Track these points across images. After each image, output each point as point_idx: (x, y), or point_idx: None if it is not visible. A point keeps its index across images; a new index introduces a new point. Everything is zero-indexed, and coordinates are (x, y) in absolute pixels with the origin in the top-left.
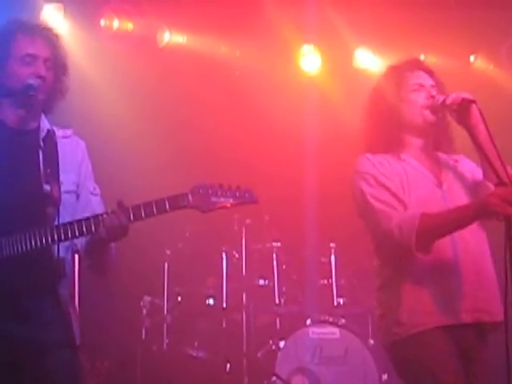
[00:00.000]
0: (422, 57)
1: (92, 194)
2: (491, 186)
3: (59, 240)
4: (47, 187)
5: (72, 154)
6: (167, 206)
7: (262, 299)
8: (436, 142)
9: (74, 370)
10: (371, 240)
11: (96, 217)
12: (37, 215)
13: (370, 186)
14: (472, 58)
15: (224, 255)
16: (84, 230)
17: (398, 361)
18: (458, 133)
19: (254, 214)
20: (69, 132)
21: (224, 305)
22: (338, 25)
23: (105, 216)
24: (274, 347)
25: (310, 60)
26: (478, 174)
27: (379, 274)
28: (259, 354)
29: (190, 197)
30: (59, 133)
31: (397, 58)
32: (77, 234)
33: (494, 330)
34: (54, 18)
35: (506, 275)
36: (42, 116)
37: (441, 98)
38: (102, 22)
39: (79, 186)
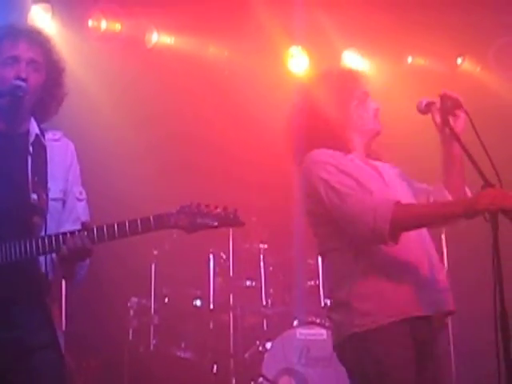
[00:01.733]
0: (409, 59)
1: (78, 199)
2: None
3: (32, 254)
4: (34, 196)
5: (61, 158)
6: (153, 225)
7: (249, 300)
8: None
9: (60, 369)
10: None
11: (59, 236)
12: (23, 224)
13: (333, 174)
14: (459, 60)
15: (211, 256)
16: (47, 248)
17: (354, 354)
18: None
19: (241, 214)
20: (58, 134)
21: (211, 306)
22: (326, 26)
23: (68, 236)
24: (261, 348)
25: (297, 61)
26: (405, 178)
27: (335, 261)
28: (246, 355)
29: (175, 217)
30: (49, 135)
31: (384, 60)
32: (42, 251)
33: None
34: (41, 18)
35: (494, 275)
36: (32, 120)
37: (424, 101)
38: (90, 23)
39: (66, 192)
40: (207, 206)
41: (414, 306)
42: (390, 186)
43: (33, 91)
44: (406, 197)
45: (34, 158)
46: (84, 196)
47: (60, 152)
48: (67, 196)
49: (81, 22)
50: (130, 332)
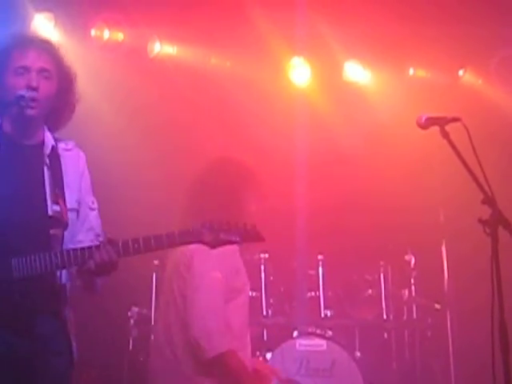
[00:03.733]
0: (410, 71)
1: (90, 208)
2: None
3: (57, 267)
4: (56, 208)
5: (74, 168)
6: (178, 240)
7: (250, 310)
8: None
9: (68, 377)
10: None
11: (85, 249)
12: (42, 237)
13: None
14: (461, 73)
15: None
16: (72, 261)
17: None
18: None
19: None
20: (71, 144)
21: None
22: (327, 37)
23: (94, 250)
24: (261, 358)
25: (299, 72)
26: None
27: None
28: None
29: (199, 232)
30: (61, 145)
31: (386, 71)
32: (68, 264)
33: None
34: (44, 27)
35: (493, 287)
36: (46, 131)
37: (424, 116)
38: (93, 32)
39: (80, 202)
40: (227, 222)
41: None
42: None
43: (45, 100)
44: None
45: (51, 169)
46: (96, 205)
47: (73, 162)
48: (80, 205)
49: (83, 31)
50: (131, 341)
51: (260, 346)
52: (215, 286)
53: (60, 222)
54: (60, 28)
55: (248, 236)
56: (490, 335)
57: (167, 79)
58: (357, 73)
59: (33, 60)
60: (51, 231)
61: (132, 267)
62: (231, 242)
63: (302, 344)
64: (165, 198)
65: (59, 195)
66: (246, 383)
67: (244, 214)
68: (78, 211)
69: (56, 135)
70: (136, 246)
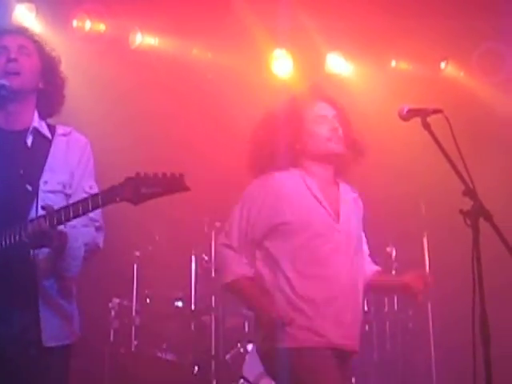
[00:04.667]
0: (393, 63)
1: (85, 192)
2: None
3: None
4: (29, 187)
5: (67, 152)
6: (100, 201)
7: (231, 302)
8: (336, 171)
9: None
10: None
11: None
12: (16, 214)
13: (236, 219)
14: (443, 65)
15: (193, 258)
16: (17, 237)
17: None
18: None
19: (224, 218)
20: (68, 129)
21: (193, 307)
22: (310, 29)
23: (28, 223)
24: (242, 350)
25: (281, 64)
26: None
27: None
28: (227, 357)
29: (119, 190)
30: (59, 130)
31: (368, 64)
32: (14, 240)
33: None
34: (25, 18)
35: (474, 278)
36: (35, 114)
37: (405, 108)
38: (75, 23)
39: (71, 186)
40: (154, 174)
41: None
42: (340, 220)
43: (29, 73)
44: (351, 233)
45: (31, 152)
46: (95, 190)
47: (68, 146)
48: (74, 189)
49: (65, 22)
50: (112, 333)
51: (241, 338)
52: (236, 219)
53: (32, 200)
54: (41, 19)
55: (172, 186)
56: (471, 327)
57: (149, 70)
58: (339, 65)
59: (11, 39)
60: (25, 208)
61: (113, 258)
62: (154, 196)
63: None
64: None
65: (32, 176)
66: (258, 308)
67: (314, 136)
68: (68, 194)
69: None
70: (66, 212)
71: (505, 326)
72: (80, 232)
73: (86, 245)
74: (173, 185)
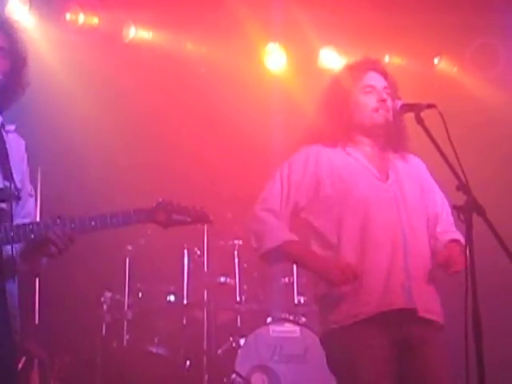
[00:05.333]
0: (386, 58)
1: (29, 194)
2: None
3: (13, 241)
4: (6, 182)
5: (17, 151)
6: (133, 219)
7: (223, 296)
8: (387, 141)
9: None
10: None
11: (34, 224)
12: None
13: (276, 181)
14: (436, 60)
15: (186, 252)
16: (21, 236)
17: (330, 351)
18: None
19: (216, 212)
20: (13, 127)
21: (185, 301)
22: (303, 24)
23: (50, 224)
24: (234, 345)
25: (275, 58)
26: (426, 176)
27: None
28: (219, 352)
29: (153, 212)
30: (7, 128)
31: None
32: (12, 240)
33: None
34: (19, 11)
35: (466, 278)
36: None
37: (399, 103)
38: (68, 16)
39: (23, 185)
40: (179, 203)
41: (385, 300)
42: (388, 180)
43: (1, 78)
44: (405, 191)
45: None
46: (33, 193)
47: (15, 145)
48: (22, 190)
49: (58, 15)
50: (103, 327)
51: (233, 332)
52: (276, 185)
53: (10, 195)
54: (35, 12)
55: (198, 217)
56: (464, 322)
57: (142, 64)
58: (332, 60)
59: None
60: (1, 205)
61: (105, 252)
62: (183, 223)
63: (276, 330)
64: (138, 183)
65: (8, 172)
66: (322, 265)
67: (361, 106)
68: (22, 192)
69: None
70: (93, 223)
71: (497, 322)
72: None
73: None
74: (200, 217)
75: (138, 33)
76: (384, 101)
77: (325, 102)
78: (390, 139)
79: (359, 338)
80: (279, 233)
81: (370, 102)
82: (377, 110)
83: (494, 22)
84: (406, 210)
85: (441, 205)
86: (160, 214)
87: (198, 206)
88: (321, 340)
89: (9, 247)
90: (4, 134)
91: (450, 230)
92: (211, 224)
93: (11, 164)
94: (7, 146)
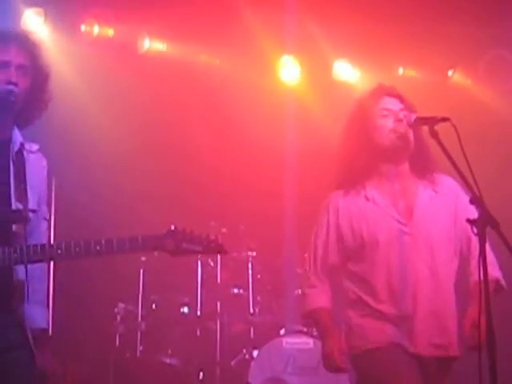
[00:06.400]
0: (400, 70)
1: (44, 218)
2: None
3: (16, 262)
4: (19, 205)
5: (37, 171)
6: (140, 246)
7: (237, 308)
8: (412, 166)
9: (33, 367)
10: None
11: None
12: (2, 232)
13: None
14: (450, 73)
15: (199, 263)
16: (33, 256)
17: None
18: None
19: (230, 224)
20: (35, 147)
21: (198, 313)
22: (317, 36)
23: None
24: (247, 356)
25: (289, 71)
26: (462, 199)
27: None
28: (232, 363)
29: (162, 240)
30: (27, 146)
31: (375, 71)
32: (26, 259)
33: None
34: (34, 23)
35: (480, 287)
36: (15, 127)
37: (413, 116)
38: (83, 28)
39: (39, 206)
40: (191, 231)
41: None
42: (408, 225)
43: (22, 96)
44: (427, 232)
45: (16, 167)
46: (48, 217)
47: (36, 165)
48: (37, 211)
49: (73, 26)
50: (117, 338)
51: (247, 344)
52: (312, 245)
53: (22, 218)
54: (50, 23)
55: (209, 248)
56: (477, 334)
57: (156, 76)
58: (346, 72)
59: (13, 55)
60: (13, 227)
61: (119, 263)
62: (193, 253)
63: (289, 342)
64: (151, 195)
65: (23, 193)
66: (328, 341)
67: (379, 128)
68: (36, 215)
69: (34, 132)
70: (98, 247)
71: (510, 334)
72: None
73: None
74: (212, 248)
75: (152, 44)
76: (401, 120)
77: (346, 129)
78: (415, 162)
79: None
80: (315, 298)
81: (388, 123)
82: (395, 131)
83: (508, 34)
84: (431, 253)
85: None
86: (169, 242)
87: (213, 235)
88: None
89: (22, 267)
90: (25, 153)
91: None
92: (225, 254)
93: (28, 185)
94: (26, 167)
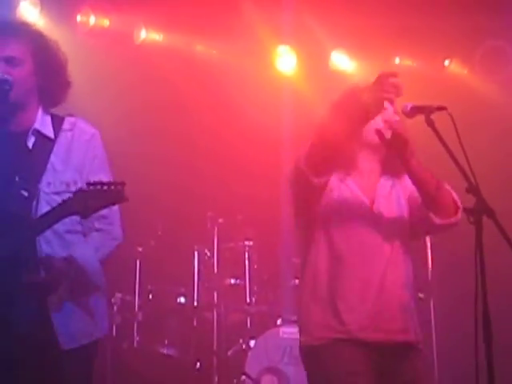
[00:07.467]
0: (396, 60)
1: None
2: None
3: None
4: (24, 193)
5: (71, 149)
6: (52, 219)
7: (233, 298)
8: (385, 164)
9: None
10: None
11: None
12: (13, 219)
13: None
14: (447, 63)
15: (196, 253)
16: None
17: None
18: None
19: (226, 213)
20: (73, 121)
21: (195, 303)
22: (314, 27)
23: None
24: (244, 346)
25: (285, 60)
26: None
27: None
28: (229, 353)
29: (73, 204)
30: (65, 125)
31: (372, 61)
32: None
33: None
34: (30, 13)
35: (477, 276)
36: (39, 112)
37: (409, 105)
38: (79, 18)
39: (77, 183)
40: (99, 188)
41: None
42: (378, 215)
43: (22, 87)
44: (388, 213)
45: (32, 154)
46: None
47: (70, 142)
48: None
49: (69, 17)
50: (114, 328)
51: (243, 334)
52: None
53: (29, 205)
54: (46, 14)
55: (111, 199)
56: (474, 324)
57: (153, 66)
58: (343, 62)
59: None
60: (22, 213)
61: (115, 253)
62: (100, 208)
63: (286, 332)
64: (147, 183)
65: (32, 180)
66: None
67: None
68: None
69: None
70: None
71: (508, 323)
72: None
73: (96, 249)
74: (113, 197)
75: (148, 35)
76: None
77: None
78: (388, 161)
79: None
80: None
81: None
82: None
83: (504, 24)
84: (388, 237)
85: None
86: (75, 204)
87: (115, 182)
88: None
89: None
90: (52, 136)
91: None
92: (126, 201)
93: (49, 169)
94: (54, 149)
